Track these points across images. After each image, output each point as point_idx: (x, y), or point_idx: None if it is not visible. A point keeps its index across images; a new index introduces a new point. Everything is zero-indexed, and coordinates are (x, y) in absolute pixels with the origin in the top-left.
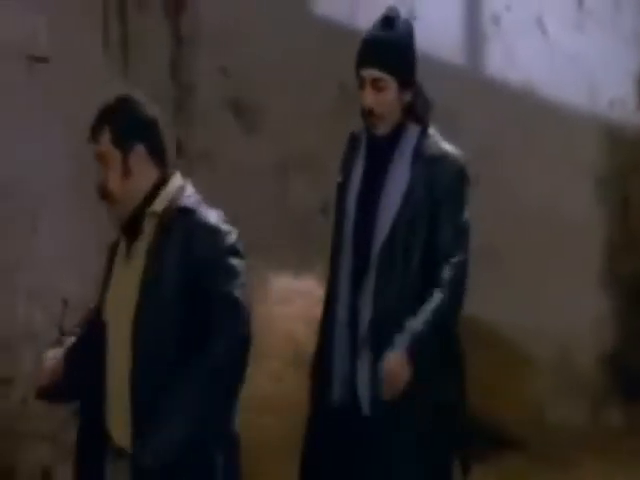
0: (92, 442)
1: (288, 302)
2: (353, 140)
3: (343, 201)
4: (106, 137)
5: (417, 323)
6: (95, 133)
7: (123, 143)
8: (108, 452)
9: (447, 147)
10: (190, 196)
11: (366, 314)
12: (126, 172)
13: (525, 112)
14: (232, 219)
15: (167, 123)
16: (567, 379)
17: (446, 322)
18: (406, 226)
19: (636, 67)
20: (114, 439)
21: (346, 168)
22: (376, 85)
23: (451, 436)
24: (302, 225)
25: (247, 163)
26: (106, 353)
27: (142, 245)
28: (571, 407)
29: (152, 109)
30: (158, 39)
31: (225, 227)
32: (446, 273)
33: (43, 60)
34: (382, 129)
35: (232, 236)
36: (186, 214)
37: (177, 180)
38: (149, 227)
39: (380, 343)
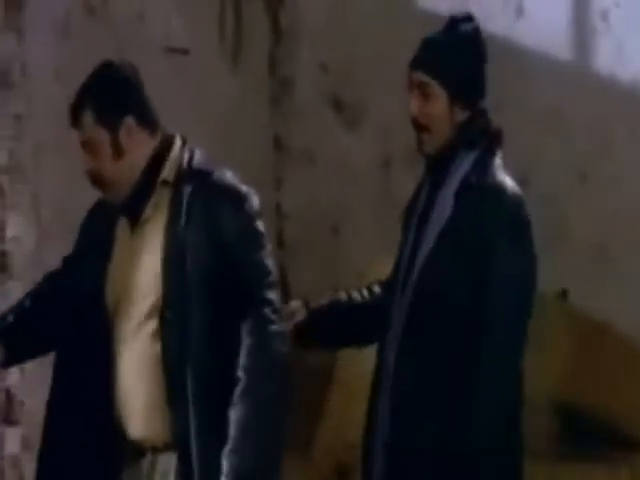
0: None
1: None
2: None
3: (406, 229)
4: (89, 119)
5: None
6: (75, 118)
7: (109, 121)
8: (125, 454)
9: (505, 179)
10: (200, 157)
11: (390, 365)
12: (118, 152)
13: (634, 109)
14: (336, 218)
15: (265, 119)
16: None
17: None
18: (441, 267)
19: None
20: (129, 434)
21: (414, 197)
22: (422, 91)
23: None
24: None
25: (349, 160)
26: (113, 341)
27: (154, 222)
28: None
29: (129, 69)
30: (258, 33)
31: (245, 189)
32: (487, 360)
33: (184, 52)
34: (428, 146)
35: (254, 199)
36: (203, 178)
37: (179, 142)
38: (161, 199)
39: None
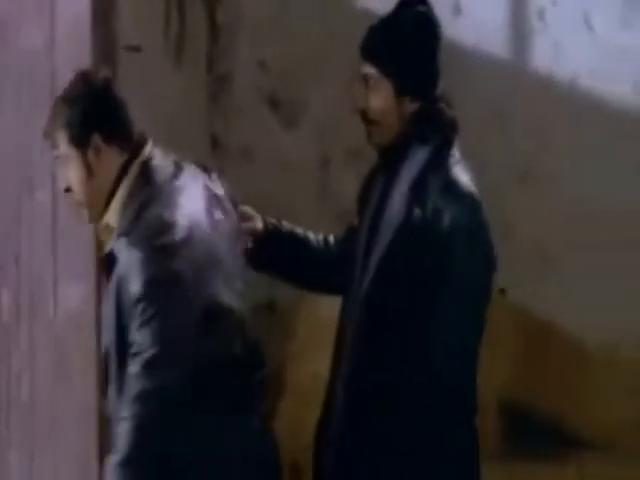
0: None
1: None
2: (375, 170)
3: (354, 245)
4: (63, 138)
5: None
6: (51, 137)
7: (78, 140)
8: None
9: (462, 179)
10: (156, 176)
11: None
12: (89, 172)
13: (571, 107)
14: (273, 215)
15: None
16: (615, 375)
17: None
18: (390, 286)
19: None
20: None
21: (366, 185)
22: (367, 82)
23: None
24: (345, 220)
25: (287, 158)
26: None
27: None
28: (623, 404)
29: (100, 81)
30: (198, 31)
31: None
32: (437, 360)
33: (136, 49)
34: (377, 138)
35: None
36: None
37: (140, 159)
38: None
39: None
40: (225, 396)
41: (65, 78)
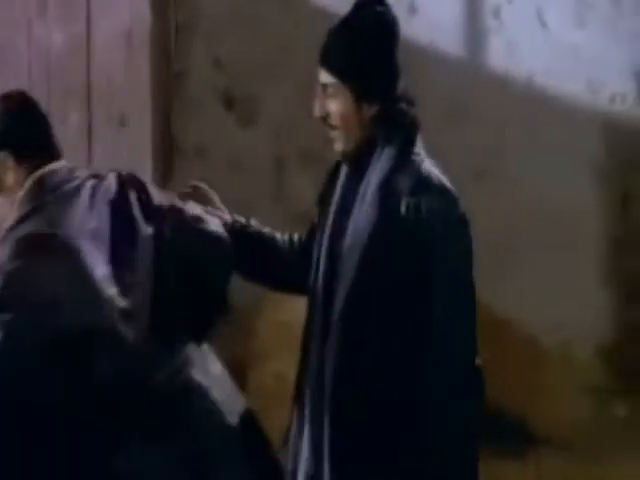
0: None
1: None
2: (335, 168)
3: (315, 246)
4: None
5: None
6: None
7: None
8: None
9: (434, 174)
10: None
11: (328, 387)
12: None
13: (526, 106)
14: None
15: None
16: (570, 373)
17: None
18: (373, 288)
19: (637, 62)
20: None
21: (327, 187)
22: (325, 90)
23: None
24: (300, 221)
25: (242, 157)
26: None
27: None
28: (577, 402)
29: (19, 101)
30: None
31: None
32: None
33: None
34: (339, 144)
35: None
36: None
37: (29, 182)
38: None
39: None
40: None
41: None
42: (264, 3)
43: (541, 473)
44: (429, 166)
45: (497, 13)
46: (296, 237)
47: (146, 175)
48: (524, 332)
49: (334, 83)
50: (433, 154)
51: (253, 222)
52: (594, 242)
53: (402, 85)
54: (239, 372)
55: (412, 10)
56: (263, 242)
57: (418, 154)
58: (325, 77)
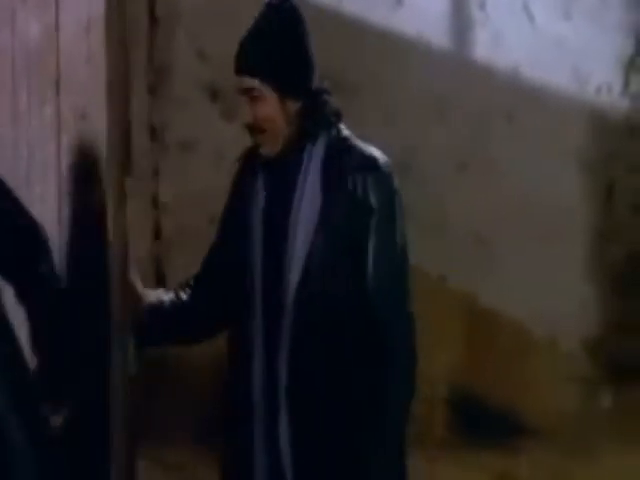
0: None
1: None
2: (247, 161)
3: (244, 250)
4: None
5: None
6: None
7: None
8: None
9: (369, 151)
10: None
11: (282, 380)
12: None
13: (511, 98)
14: (214, 209)
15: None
16: (555, 365)
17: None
18: (324, 264)
19: (623, 53)
20: None
21: (238, 203)
22: (251, 95)
23: None
24: None
25: (227, 150)
26: None
27: None
28: (564, 392)
29: None
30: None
31: None
32: (390, 340)
33: None
34: (267, 148)
35: None
36: None
37: None
38: None
39: (299, 417)
40: None
41: None
42: None
43: (530, 464)
44: (362, 144)
45: (483, 5)
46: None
47: (102, 170)
48: (512, 323)
49: (257, 85)
50: (417, 145)
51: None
52: (579, 234)
53: (318, 78)
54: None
55: (399, 2)
56: (173, 311)
57: (348, 138)
58: (247, 82)
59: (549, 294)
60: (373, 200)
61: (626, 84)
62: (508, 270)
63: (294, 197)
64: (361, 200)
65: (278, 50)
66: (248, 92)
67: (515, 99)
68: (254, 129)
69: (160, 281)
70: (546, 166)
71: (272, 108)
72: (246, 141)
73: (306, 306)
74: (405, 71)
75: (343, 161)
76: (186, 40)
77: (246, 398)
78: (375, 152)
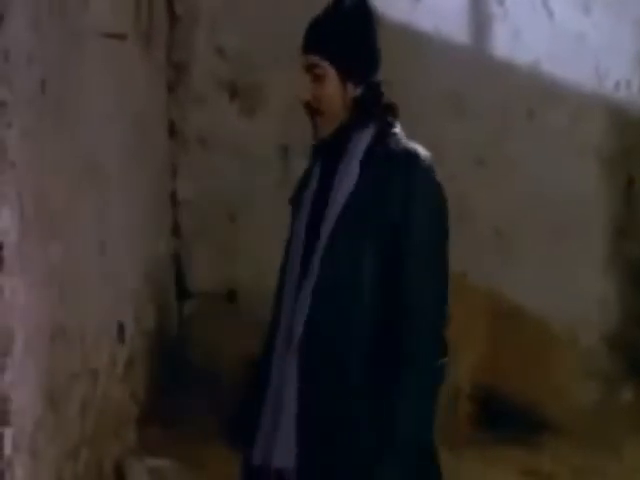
0: None
1: None
2: (314, 152)
3: (294, 220)
4: None
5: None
6: None
7: None
8: None
9: (412, 145)
10: None
11: (298, 330)
12: None
13: (531, 93)
14: (233, 206)
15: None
16: (576, 360)
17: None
18: (349, 232)
19: None
20: None
21: (301, 184)
22: (313, 73)
23: None
24: None
25: (246, 146)
26: None
27: None
28: (585, 388)
29: None
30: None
31: None
32: (413, 339)
33: (121, 37)
34: (323, 130)
35: None
36: None
37: None
38: None
39: (312, 366)
40: None
41: None
42: None
43: (552, 459)
44: (409, 141)
45: (502, 1)
46: None
47: None
48: (533, 320)
49: (322, 64)
50: (436, 140)
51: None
52: (599, 229)
53: (381, 72)
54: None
55: None
56: None
57: (397, 133)
58: (313, 59)
59: (568, 288)
60: (409, 188)
61: None
62: (528, 266)
63: (338, 172)
64: (397, 185)
65: (348, 34)
66: (312, 69)
67: (534, 95)
68: (312, 109)
69: (179, 278)
70: (565, 162)
71: (333, 89)
72: (264, 138)
73: (327, 273)
74: (424, 67)
75: (385, 150)
76: (205, 38)
77: (272, 337)
78: (419, 147)
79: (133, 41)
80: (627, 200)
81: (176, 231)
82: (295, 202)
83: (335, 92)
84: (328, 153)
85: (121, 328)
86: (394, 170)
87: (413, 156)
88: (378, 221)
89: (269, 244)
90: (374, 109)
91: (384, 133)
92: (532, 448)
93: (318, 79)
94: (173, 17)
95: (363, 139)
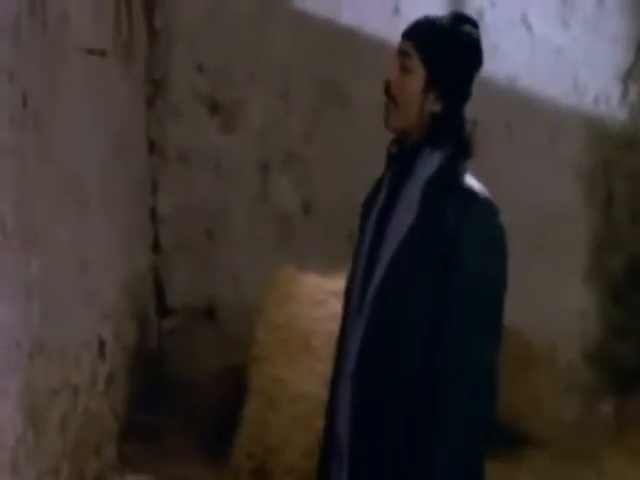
0: None
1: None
2: (388, 158)
3: (362, 229)
4: None
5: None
6: None
7: None
8: None
9: (474, 185)
10: None
11: (350, 365)
12: None
13: (509, 107)
14: (212, 221)
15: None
16: (556, 374)
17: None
18: (407, 270)
19: (620, 63)
20: None
21: (374, 191)
22: (402, 61)
23: None
24: (283, 225)
25: (225, 162)
26: None
27: None
28: (565, 402)
29: None
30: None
31: None
32: (457, 361)
33: (101, 54)
34: (392, 120)
35: None
36: None
37: None
38: None
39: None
40: None
41: None
42: (244, 8)
43: (532, 473)
44: (471, 178)
45: (480, 15)
46: None
47: None
48: (513, 333)
49: (414, 55)
50: None
51: None
52: (578, 243)
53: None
54: (239, 376)
55: (396, 12)
56: None
57: (464, 167)
58: (406, 47)
59: (549, 304)
60: (466, 231)
61: (624, 94)
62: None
63: (401, 193)
64: (453, 228)
65: (449, 46)
66: (402, 57)
67: (513, 109)
68: (388, 92)
69: (159, 294)
70: (544, 175)
71: (415, 87)
72: (243, 153)
73: (380, 309)
74: None
75: (446, 186)
76: (185, 53)
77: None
78: (480, 188)
79: (113, 57)
80: (606, 214)
81: (156, 247)
82: (365, 209)
83: (416, 92)
84: (398, 165)
85: (101, 344)
86: (450, 215)
87: (472, 200)
88: (433, 259)
89: (248, 260)
90: (449, 131)
91: (451, 165)
92: (512, 462)
93: (405, 69)
94: (153, 33)
95: (429, 165)
